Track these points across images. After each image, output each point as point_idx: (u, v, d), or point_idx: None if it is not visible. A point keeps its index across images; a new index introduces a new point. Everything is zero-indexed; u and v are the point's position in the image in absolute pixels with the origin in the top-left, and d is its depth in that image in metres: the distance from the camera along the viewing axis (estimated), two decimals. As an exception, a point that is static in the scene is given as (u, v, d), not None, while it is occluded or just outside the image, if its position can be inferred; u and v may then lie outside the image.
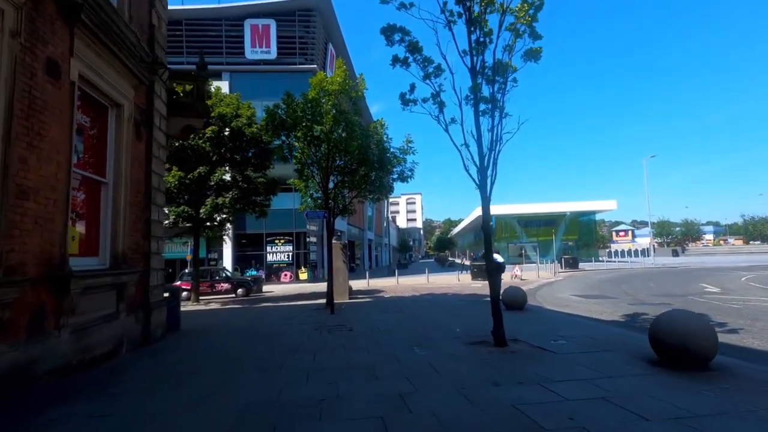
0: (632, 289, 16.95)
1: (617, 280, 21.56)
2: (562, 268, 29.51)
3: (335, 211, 14.50)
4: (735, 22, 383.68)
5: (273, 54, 31.60)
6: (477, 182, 6.60)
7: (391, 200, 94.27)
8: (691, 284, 18.20)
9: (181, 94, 9.08)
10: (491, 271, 6.74)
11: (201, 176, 15.23)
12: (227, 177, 15.76)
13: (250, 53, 31.76)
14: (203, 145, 15.35)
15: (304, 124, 12.76)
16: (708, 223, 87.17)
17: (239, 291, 21.52)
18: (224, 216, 16.82)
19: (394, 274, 28.89)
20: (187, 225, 16.71)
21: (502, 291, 15.81)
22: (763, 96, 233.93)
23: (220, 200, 15.25)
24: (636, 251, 50.58)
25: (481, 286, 20.99)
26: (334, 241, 16.14)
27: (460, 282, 23.88)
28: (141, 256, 7.37)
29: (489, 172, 6.49)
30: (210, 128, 15.32)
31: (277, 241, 31.36)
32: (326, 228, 12.90)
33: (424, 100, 6.91)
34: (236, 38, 31.95)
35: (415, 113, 7.33)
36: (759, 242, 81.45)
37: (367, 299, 15.67)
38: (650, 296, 14.07)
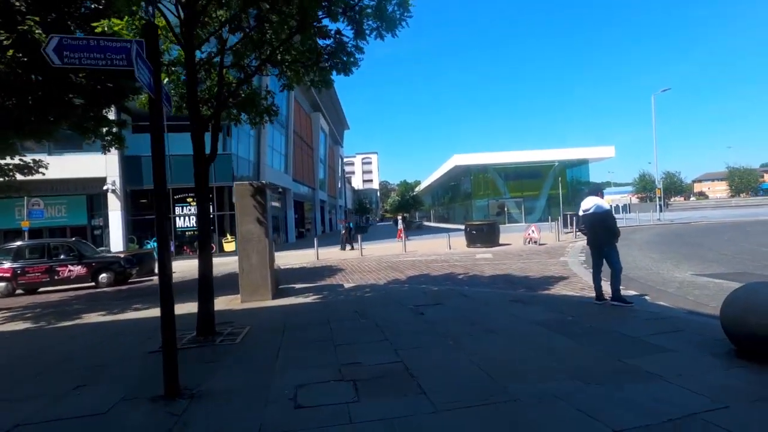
0: (744, 255, 10.20)
1: (678, 242, 15.01)
2: (567, 226, 22.96)
3: (220, 98, 6.12)
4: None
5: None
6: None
7: (345, 159, 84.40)
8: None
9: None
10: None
11: None
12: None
13: None
14: None
15: None
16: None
17: (102, 278, 12.74)
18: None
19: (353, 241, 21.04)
20: None
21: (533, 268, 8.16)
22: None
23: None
24: (617, 207, 45.92)
25: (492, 257, 13.67)
26: (237, 184, 7.87)
27: (452, 250, 16.42)
28: None
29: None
30: None
31: (189, 201, 22.27)
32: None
33: None
34: None
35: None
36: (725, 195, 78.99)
37: (311, 297, 7.71)
38: None
